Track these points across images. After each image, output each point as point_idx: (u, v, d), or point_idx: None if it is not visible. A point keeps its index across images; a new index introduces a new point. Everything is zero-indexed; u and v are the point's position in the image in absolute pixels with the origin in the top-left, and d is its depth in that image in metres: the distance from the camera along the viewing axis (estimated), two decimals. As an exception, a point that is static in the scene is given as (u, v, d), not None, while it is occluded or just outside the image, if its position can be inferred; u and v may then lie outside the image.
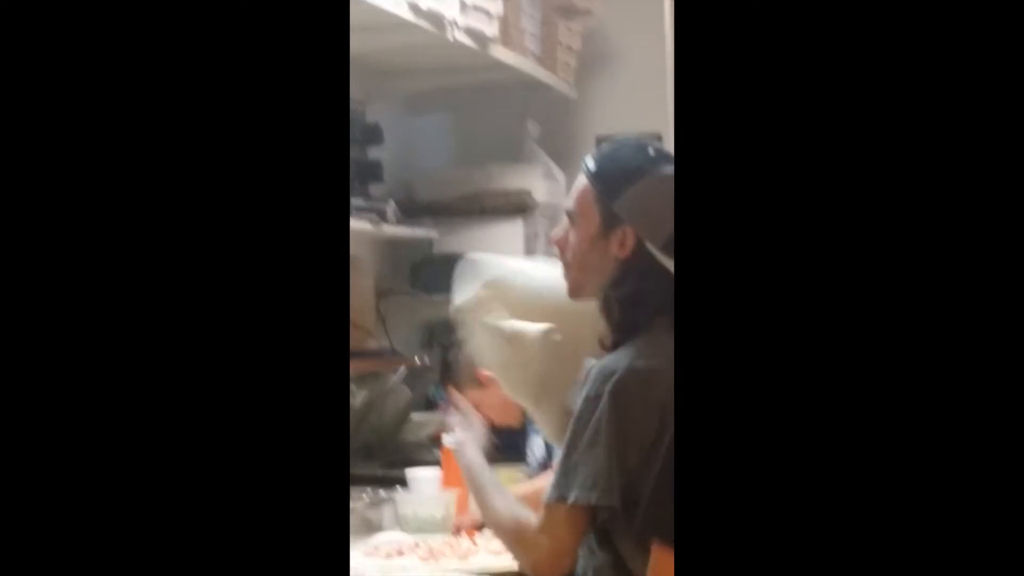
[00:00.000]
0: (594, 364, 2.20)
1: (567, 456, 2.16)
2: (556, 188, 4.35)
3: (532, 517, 2.19)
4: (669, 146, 3.94)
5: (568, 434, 2.18)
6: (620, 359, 2.16)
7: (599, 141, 4.58)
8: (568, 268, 2.28)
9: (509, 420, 3.38)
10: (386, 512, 3.45)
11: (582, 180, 2.26)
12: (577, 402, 2.18)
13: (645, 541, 2.11)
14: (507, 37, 3.89)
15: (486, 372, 3.37)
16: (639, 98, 4.61)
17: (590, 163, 2.27)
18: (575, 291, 2.30)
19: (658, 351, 2.12)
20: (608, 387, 2.13)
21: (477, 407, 3.22)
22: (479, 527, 3.31)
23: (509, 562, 3.02)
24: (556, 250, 2.31)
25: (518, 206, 4.14)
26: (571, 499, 2.13)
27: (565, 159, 4.45)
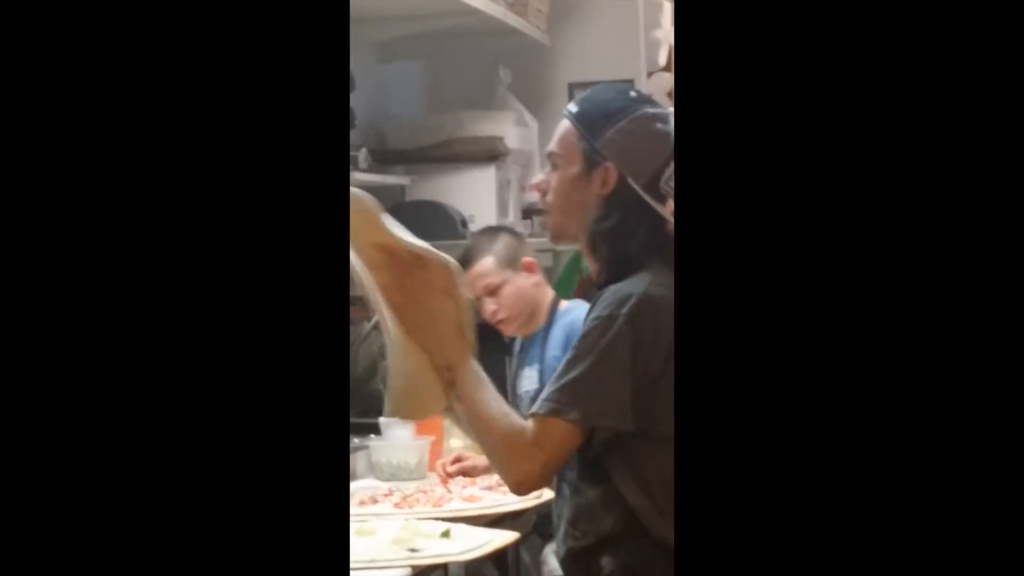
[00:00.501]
0: (603, 291, 2.18)
1: (567, 372, 2.12)
2: (528, 135, 4.34)
3: (526, 427, 2.12)
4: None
5: (572, 351, 2.14)
6: (635, 284, 2.14)
7: (571, 88, 4.58)
8: (549, 212, 2.28)
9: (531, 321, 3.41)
10: (360, 460, 3.46)
11: (564, 123, 2.26)
12: (584, 324, 2.16)
13: (645, 474, 2.11)
14: (479, -17, 3.86)
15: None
16: (611, 45, 4.61)
17: (572, 107, 2.28)
18: (557, 234, 2.30)
19: (666, 281, 2.09)
20: (625, 310, 2.11)
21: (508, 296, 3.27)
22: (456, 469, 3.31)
23: (482, 509, 3.04)
24: (536, 195, 2.31)
25: (490, 153, 4.13)
26: (572, 416, 2.09)
27: (537, 106, 4.44)
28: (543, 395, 2.13)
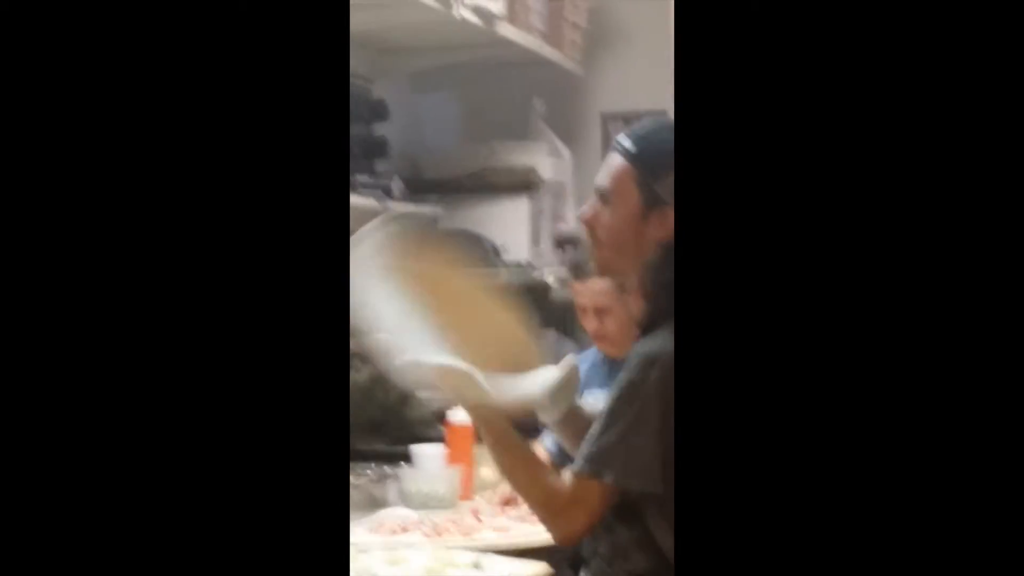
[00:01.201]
0: (634, 347, 2.17)
1: (604, 434, 2.13)
2: (561, 165, 4.33)
3: (566, 484, 2.15)
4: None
5: (607, 413, 2.15)
6: (663, 343, 2.13)
7: (604, 119, 4.58)
8: (599, 246, 2.25)
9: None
10: (391, 488, 3.45)
11: (617, 159, 2.22)
12: (617, 383, 2.16)
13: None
14: (513, 14, 3.87)
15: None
16: (645, 75, 4.59)
17: (627, 143, 2.23)
18: (604, 270, 2.29)
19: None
20: (653, 375, 2.10)
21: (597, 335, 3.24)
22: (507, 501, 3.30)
23: (512, 540, 3.02)
24: (585, 228, 2.29)
25: (523, 183, 4.12)
26: (608, 479, 2.11)
27: (570, 136, 4.43)
28: (582, 453, 2.15)
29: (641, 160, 2.20)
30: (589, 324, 3.30)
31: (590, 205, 2.25)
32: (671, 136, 2.26)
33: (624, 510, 2.17)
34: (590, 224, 2.26)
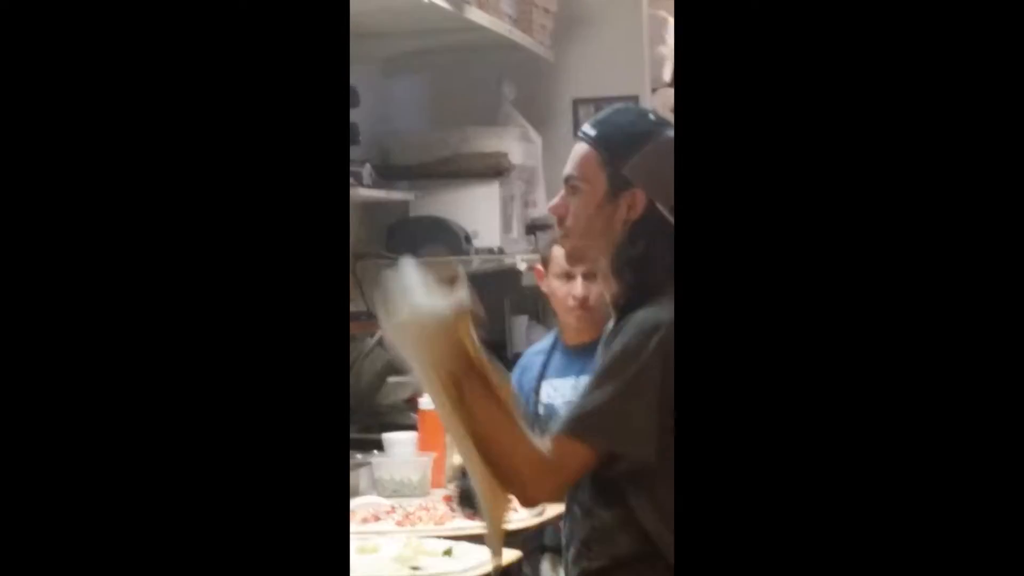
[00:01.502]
0: (629, 316, 2.17)
1: (592, 396, 2.12)
2: (532, 151, 4.32)
3: (545, 446, 2.12)
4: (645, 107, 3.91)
5: (598, 376, 2.14)
6: (663, 313, 2.11)
7: (576, 104, 4.57)
8: (568, 235, 2.26)
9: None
10: (362, 476, 3.44)
11: (582, 147, 2.25)
12: (611, 348, 2.15)
13: (663, 500, 2.06)
14: (482, -1, 3.86)
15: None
16: (615, 61, 4.60)
17: (590, 130, 2.26)
18: (575, 257, 2.32)
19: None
20: (654, 341, 2.10)
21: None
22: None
23: (483, 527, 3.01)
24: (553, 218, 2.30)
25: (494, 168, 4.12)
26: (596, 442, 2.10)
27: (541, 122, 4.43)
28: (568, 416, 2.13)
29: (604, 143, 2.23)
30: (578, 293, 3.28)
31: (559, 196, 2.26)
32: (634, 118, 2.30)
33: (604, 492, 2.15)
34: (559, 214, 2.26)
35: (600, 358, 2.16)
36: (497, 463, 2.15)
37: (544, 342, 3.43)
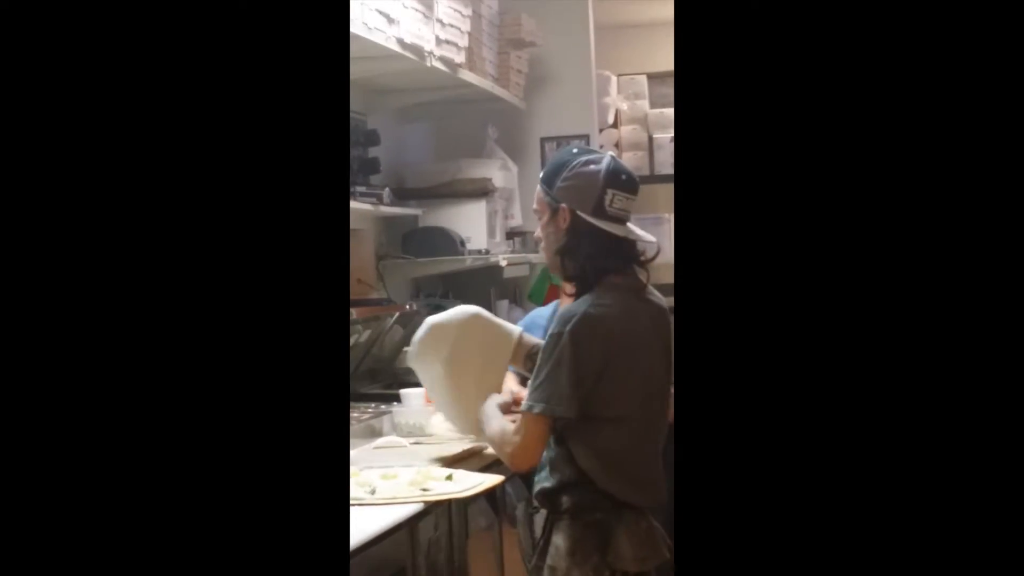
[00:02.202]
0: (558, 312, 2.25)
1: (535, 378, 2.20)
2: (510, 176, 4.34)
3: (511, 425, 2.26)
4: (594, 144, 3.92)
5: (538, 361, 2.20)
6: (577, 306, 2.20)
7: (542, 141, 4.59)
8: (544, 253, 2.33)
9: None
10: (386, 421, 3.44)
11: (537, 187, 2.32)
12: (545, 340, 2.21)
13: (590, 443, 2.19)
14: (472, 63, 3.87)
15: None
16: (572, 108, 4.62)
17: (541, 173, 2.34)
18: (552, 268, 2.34)
19: (606, 300, 2.17)
20: (568, 327, 2.15)
21: None
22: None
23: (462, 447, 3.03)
24: (522, 225, 2.45)
25: (482, 190, 4.12)
26: (536, 410, 2.16)
27: (517, 154, 4.46)
28: (525, 396, 2.23)
29: (545, 180, 2.31)
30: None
31: (538, 228, 2.35)
32: (563, 156, 2.35)
33: (555, 436, 2.24)
34: (536, 239, 2.38)
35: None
36: (486, 435, 2.35)
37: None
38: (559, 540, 2.21)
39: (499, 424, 2.31)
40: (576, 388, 2.14)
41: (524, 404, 2.22)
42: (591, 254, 2.21)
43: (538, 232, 2.34)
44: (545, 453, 2.26)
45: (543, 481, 2.26)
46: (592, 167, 2.23)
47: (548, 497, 2.25)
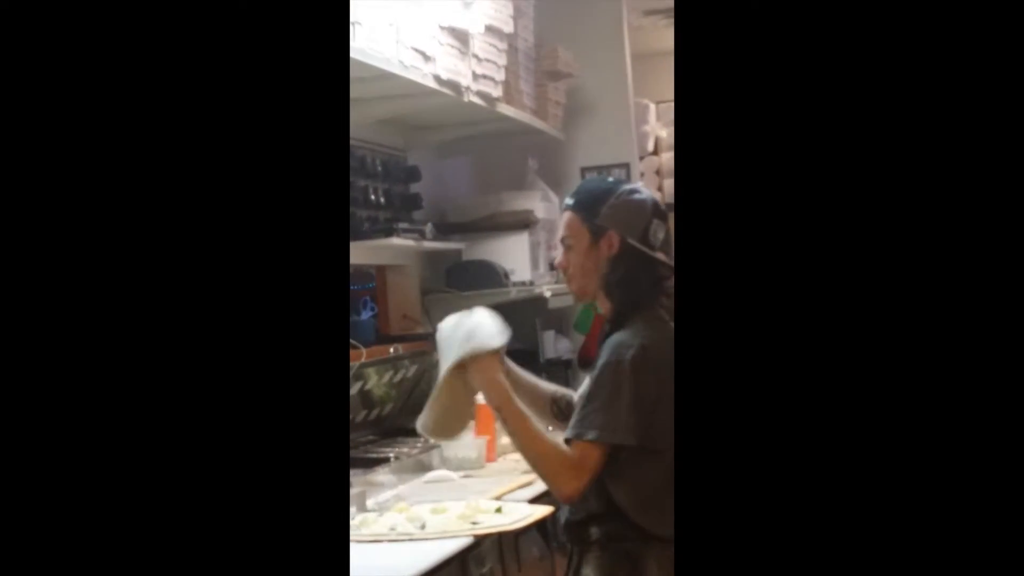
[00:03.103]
0: (608, 340, 2.19)
1: (584, 407, 2.14)
2: (551, 208, 4.33)
3: (568, 452, 2.14)
4: (634, 172, 3.91)
5: (588, 389, 2.16)
6: (632, 337, 2.16)
7: (583, 171, 4.59)
8: (571, 280, 2.30)
9: None
10: (435, 455, 3.44)
11: (567, 214, 2.29)
12: (596, 367, 2.17)
13: (623, 474, 2.13)
14: (509, 97, 3.87)
15: None
16: (611, 136, 4.61)
17: (570, 200, 2.31)
18: (580, 295, 2.32)
19: (655, 330, 2.15)
20: (628, 356, 2.13)
21: None
22: None
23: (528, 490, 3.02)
24: (560, 271, 2.36)
25: (524, 222, 4.13)
26: (590, 436, 2.11)
27: (557, 185, 4.44)
28: (572, 423, 2.16)
29: (581, 207, 2.28)
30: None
31: (559, 253, 2.29)
32: (598, 183, 2.35)
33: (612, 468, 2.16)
34: (562, 267, 2.32)
35: (591, 374, 2.19)
36: (535, 468, 2.19)
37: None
38: (589, 572, 2.17)
39: (555, 448, 2.15)
40: (635, 416, 2.11)
41: (571, 432, 2.17)
42: (641, 281, 2.20)
43: (560, 259, 2.30)
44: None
45: (568, 514, 2.22)
46: (638, 196, 2.26)
47: (575, 529, 2.22)
